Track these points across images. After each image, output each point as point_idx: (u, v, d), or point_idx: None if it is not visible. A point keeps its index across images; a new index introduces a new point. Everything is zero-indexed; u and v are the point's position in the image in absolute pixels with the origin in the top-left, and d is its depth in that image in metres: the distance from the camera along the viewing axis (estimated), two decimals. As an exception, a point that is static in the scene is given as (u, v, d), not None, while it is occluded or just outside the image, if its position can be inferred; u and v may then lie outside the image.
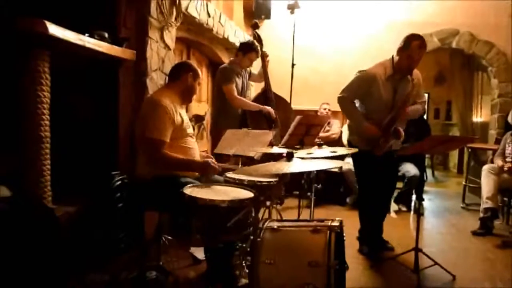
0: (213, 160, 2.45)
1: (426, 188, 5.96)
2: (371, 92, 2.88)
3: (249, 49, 3.81)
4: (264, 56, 4.07)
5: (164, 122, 2.32)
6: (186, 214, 1.93)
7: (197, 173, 2.50)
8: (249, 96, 4.14)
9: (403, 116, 2.86)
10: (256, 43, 3.91)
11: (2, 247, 1.67)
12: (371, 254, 3.09)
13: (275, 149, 2.74)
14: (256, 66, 4.22)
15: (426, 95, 8.86)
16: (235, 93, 3.72)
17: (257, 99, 4.13)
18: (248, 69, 4.05)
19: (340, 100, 3.00)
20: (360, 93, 2.95)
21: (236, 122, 3.73)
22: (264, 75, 4.09)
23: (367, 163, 3.01)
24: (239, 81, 3.83)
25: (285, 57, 5.06)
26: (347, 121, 3.30)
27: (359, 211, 3.24)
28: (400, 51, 2.82)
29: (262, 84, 4.18)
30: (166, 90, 2.58)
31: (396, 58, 2.88)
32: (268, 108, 3.88)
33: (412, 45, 2.75)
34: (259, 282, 1.81)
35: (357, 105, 3.04)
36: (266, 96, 4.08)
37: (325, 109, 5.13)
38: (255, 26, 4.29)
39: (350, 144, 3.12)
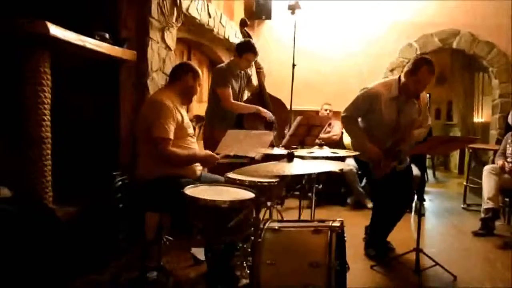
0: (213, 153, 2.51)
1: (427, 188, 5.95)
2: (373, 109, 2.83)
3: (245, 50, 3.57)
4: (259, 72, 3.95)
5: (168, 120, 2.34)
6: (187, 214, 1.93)
7: (197, 174, 2.51)
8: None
9: (408, 141, 2.80)
10: (252, 42, 3.68)
11: (3, 247, 1.68)
12: (377, 257, 3.04)
13: (276, 150, 2.73)
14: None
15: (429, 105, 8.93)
16: (231, 98, 3.52)
17: (250, 102, 3.94)
18: (248, 72, 3.94)
19: (344, 119, 2.97)
20: (362, 110, 2.90)
21: (231, 123, 3.53)
22: (259, 85, 3.96)
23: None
24: (235, 83, 3.65)
25: (286, 57, 5.05)
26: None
27: (373, 215, 3.14)
28: (408, 75, 2.72)
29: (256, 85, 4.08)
30: (166, 91, 2.58)
31: (402, 79, 2.78)
32: (264, 111, 3.66)
33: (421, 70, 2.66)
34: (260, 283, 1.81)
35: (359, 120, 2.98)
36: (260, 98, 3.91)
37: (326, 110, 5.13)
38: (243, 24, 4.03)
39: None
